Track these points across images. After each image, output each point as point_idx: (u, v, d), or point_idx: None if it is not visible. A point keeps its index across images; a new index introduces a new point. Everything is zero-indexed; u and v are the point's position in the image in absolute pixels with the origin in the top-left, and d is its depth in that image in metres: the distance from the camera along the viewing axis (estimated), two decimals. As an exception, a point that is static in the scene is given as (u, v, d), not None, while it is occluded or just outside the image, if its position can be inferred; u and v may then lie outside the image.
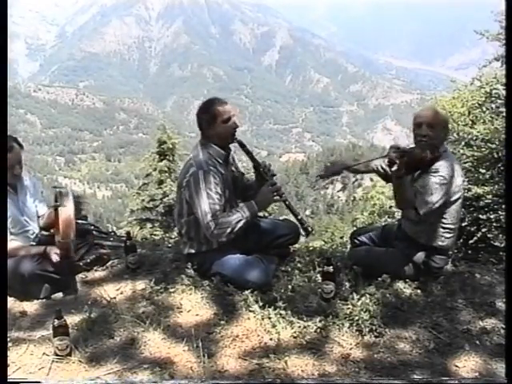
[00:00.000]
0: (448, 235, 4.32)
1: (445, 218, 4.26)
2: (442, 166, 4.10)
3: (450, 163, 4.14)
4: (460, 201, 4.29)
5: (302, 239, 5.08)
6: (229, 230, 4.07)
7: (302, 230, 4.48)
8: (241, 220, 4.11)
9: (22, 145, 4.42)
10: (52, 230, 4.43)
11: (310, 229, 4.37)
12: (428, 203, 4.06)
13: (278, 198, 4.30)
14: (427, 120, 4.21)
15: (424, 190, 4.09)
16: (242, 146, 4.38)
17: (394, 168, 4.06)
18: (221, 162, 4.31)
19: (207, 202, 4.06)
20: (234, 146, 4.53)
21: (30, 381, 3.09)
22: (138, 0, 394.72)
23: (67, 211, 4.12)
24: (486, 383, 3.14)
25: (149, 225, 19.35)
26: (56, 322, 3.25)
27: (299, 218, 4.37)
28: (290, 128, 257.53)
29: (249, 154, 4.45)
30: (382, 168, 4.64)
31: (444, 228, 4.29)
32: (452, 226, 4.32)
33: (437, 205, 4.08)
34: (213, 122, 4.22)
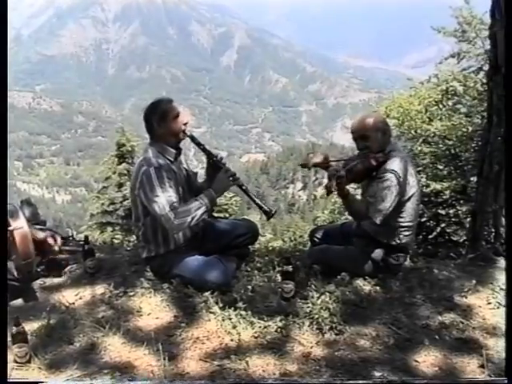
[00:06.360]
0: (406, 233, 4.35)
1: (402, 217, 4.29)
2: (388, 170, 4.12)
3: (398, 163, 4.15)
4: (415, 198, 4.31)
5: (262, 239, 5.07)
6: (189, 218, 4.01)
7: (263, 214, 4.37)
8: (200, 207, 4.06)
9: None
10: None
11: (269, 210, 4.27)
12: (381, 211, 4.09)
13: (234, 182, 4.27)
14: (359, 133, 4.26)
15: (374, 198, 4.11)
16: (193, 139, 4.33)
17: (334, 193, 4.09)
18: (172, 160, 4.29)
19: (163, 195, 4.00)
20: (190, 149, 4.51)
21: (30, 381, 3.09)
22: (94, 2, 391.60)
23: (22, 232, 4.04)
24: (486, 383, 3.15)
25: (109, 228, 19.17)
26: (14, 329, 3.21)
27: (257, 202, 4.29)
28: (249, 128, 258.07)
29: (200, 145, 4.38)
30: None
31: (402, 226, 4.32)
32: (410, 224, 4.35)
33: (390, 209, 4.11)
34: (163, 119, 4.20)
